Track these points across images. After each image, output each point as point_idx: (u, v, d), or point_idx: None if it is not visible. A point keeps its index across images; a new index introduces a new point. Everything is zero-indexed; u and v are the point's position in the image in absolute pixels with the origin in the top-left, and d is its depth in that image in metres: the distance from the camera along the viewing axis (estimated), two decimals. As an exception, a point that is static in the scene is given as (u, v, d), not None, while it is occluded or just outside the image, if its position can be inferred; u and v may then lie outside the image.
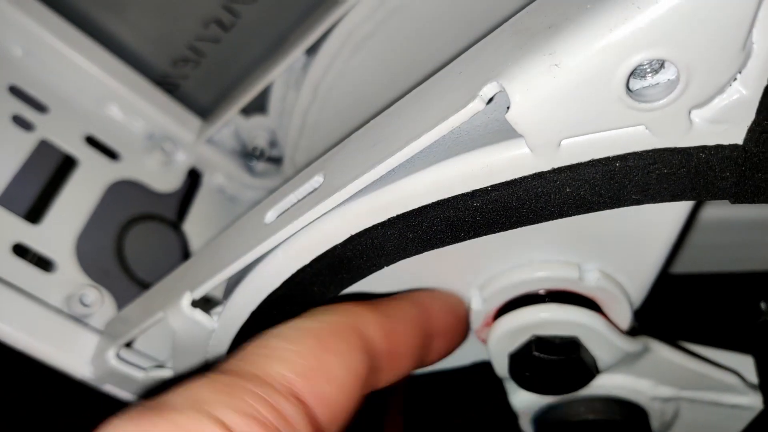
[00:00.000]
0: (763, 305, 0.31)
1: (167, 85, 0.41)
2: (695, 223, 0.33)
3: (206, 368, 0.18)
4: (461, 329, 0.25)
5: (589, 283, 0.24)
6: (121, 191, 0.38)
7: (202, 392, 0.16)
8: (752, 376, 0.29)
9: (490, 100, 0.17)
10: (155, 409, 0.15)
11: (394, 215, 0.19)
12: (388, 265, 0.21)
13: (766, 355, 0.29)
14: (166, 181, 0.40)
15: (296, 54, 0.35)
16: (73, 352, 0.31)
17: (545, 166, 0.17)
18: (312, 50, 0.36)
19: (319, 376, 0.18)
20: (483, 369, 0.28)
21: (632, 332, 0.26)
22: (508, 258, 0.24)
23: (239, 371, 0.17)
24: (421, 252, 0.20)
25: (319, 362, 0.18)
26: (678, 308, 0.37)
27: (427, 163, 0.19)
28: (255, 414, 0.16)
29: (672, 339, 0.29)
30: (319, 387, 0.18)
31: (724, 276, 0.38)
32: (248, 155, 0.43)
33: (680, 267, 0.36)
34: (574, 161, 0.17)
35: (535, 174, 0.17)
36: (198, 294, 0.24)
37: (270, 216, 0.23)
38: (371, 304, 0.21)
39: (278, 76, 0.38)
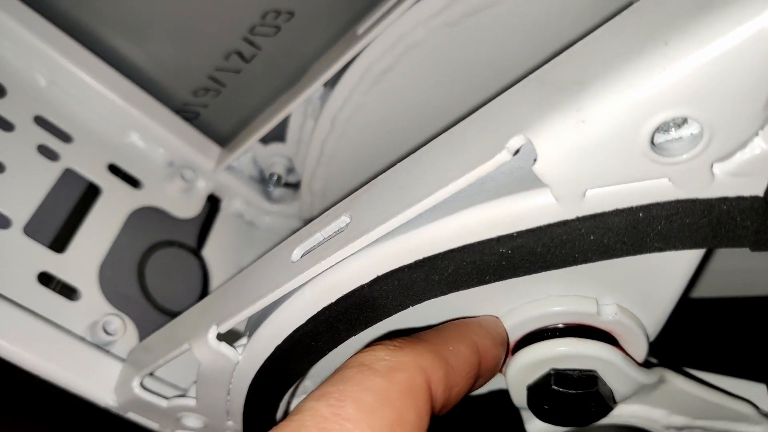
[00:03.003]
0: (774, 333, 0.31)
1: (188, 113, 0.42)
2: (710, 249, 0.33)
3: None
4: (502, 361, 0.24)
5: (607, 318, 0.24)
6: (143, 218, 0.39)
7: None
8: (766, 405, 0.29)
9: (517, 151, 0.17)
10: None
11: (421, 258, 0.20)
12: (413, 305, 0.21)
13: (780, 384, 0.29)
14: (186, 207, 0.41)
15: (315, 86, 0.35)
16: (97, 381, 0.31)
17: (570, 215, 0.18)
18: (331, 82, 0.36)
19: None
20: (500, 397, 0.28)
21: (647, 363, 0.26)
22: (527, 292, 0.24)
23: None
24: (447, 293, 0.20)
25: None
26: (691, 333, 0.37)
27: (453, 208, 0.19)
28: None
29: (685, 364, 0.29)
30: None
31: (738, 301, 0.38)
32: (266, 181, 0.44)
33: (694, 291, 0.36)
34: (599, 210, 0.17)
35: (560, 222, 0.18)
36: (224, 328, 0.25)
37: (296, 254, 0.23)
38: (435, 350, 0.20)
39: (297, 106, 0.38)
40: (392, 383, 0.19)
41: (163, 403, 0.30)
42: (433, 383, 0.20)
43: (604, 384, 0.25)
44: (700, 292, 0.37)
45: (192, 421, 0.30)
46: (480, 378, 0.23)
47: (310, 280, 0.22)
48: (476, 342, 0.22)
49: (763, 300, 0.37)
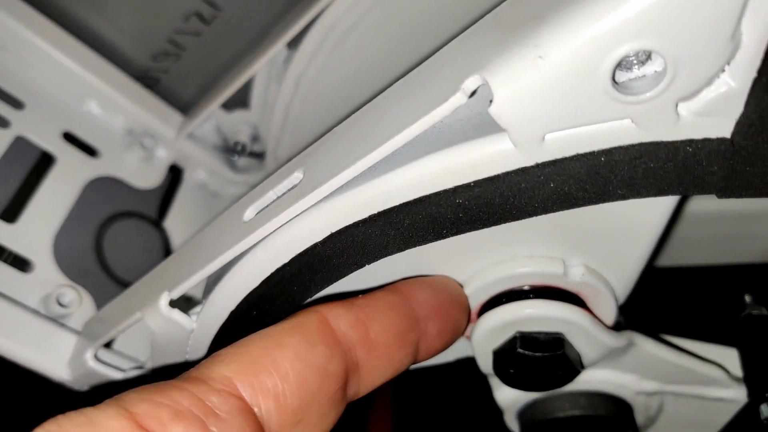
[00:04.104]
0: (747, 298, 0.31)
1: (147, 79, 0.40)
2: (679, 216, 0.33)
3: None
4: (456, 309, 0.24)
5: (574, 279, 0.23)
6: (100, 188, 0.37)
7: (130, 393, 0.16)
8: (737, 369, 0.29)
9: (473, 93, 0.16)
10: (82, 409, 0.15)
11: (375, 212, 0.19)
12: (369, 263, 0.20)
13: (750, 348, 0.29)
14: (147, 177, 0.39)
15: (278, 47, 0.34)
16: (51, 354, 0.30)
17: (529, 161, 0.17)
18: (294, 43, 0.35)
19: (264, 371, 0.18)
20: (467, 365, 0.28)
21: (617, 327, 0.26)
22: (492, 253, 0.23)
23: (180, 377, 0.17)
24: (403, 250, 0.20)
25: (268, 358, 0.18)
26: (663, 301, 0.37)
27: (408, 158, 0.18)
28: (171, 404, 0.16)
29: (657, 332, 0.29)
30: (264, 381, 0.18)
31: (709, 269, 0.38)
32: (230, 150, 0.43)
33: (665, 260, 0.36)
34: (559, 156, 0.17)
35: (518, 169, 0.17)
36: (176, 294, 0.24)
37: (249, 214, 0.22)
38: (342, 300, 0.21)
39: (260, 69, 0.37)
40: (277, 325, 0.19)
41: (119, 375, 0.29)
42: (330, 316, 0.20)
43: (571, 347, 0.24)
44: (672, 260, 0.36)
45: (150, 394, 0.29)
46: (424, 322, 0.22)
47: (261, 240, 0.21)
48: (396, 286, 0.22)
49: (734, 267, 0.37)
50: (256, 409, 0.17)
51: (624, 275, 0.24)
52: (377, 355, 0.20)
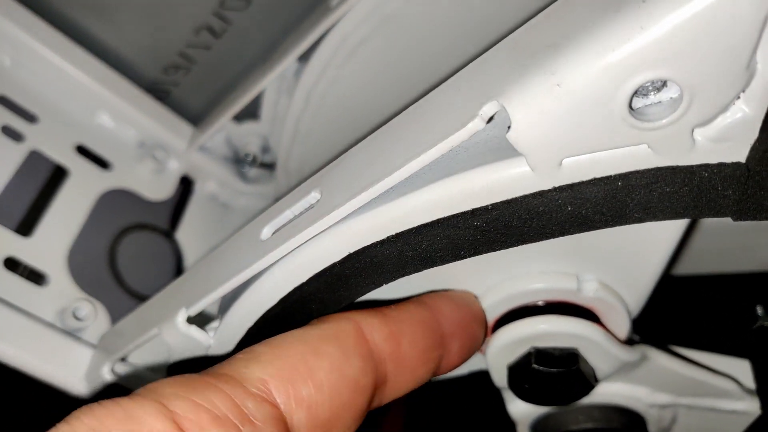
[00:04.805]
0: (759, 309, 0.31)
1: (158, 92, 0.41)
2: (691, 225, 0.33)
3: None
4: (477, 326, 0.24)
5: (588, 294, 0.23)
6: (113, 201, 0.37)
7: (167, 386, 0.16)
8: (750, 382, 0.29)
9: (491, 119, 0.16)
10: (116, 399, 0.15)
11: (393, 234, 0.19)
12: (387, 282, 0.20)
13: (763, 359, 0.29)
14: (158, 189, 0.40)
15: (289, 61, 0.34)
16: (67, 368, 0.30)
17: (546, 185, 0.17)
18: (305, 57, 0.35)
19: (300, 379, 0.18)
20: (480, 378, 0.28)
21: (630, 341, 0.26)
22: (506, 269, 0.24)
23: (215, 373, 0.17)
24: (421, 270, 0.20)
25: (305, 366, 0.18)
26: (674, 311, 0.37)
27: (426, 181, 0.18)
28: (210, 407, 0.16)
29: (668, 342, 0.29)
30: (300, 390, 0.17)
31: (721, 277, 0.38)
32: (240, 162, 0.43)
33: (676, 269, 0.36)
34: (576, 180, 0.17)
35: (536, 193, 0.17)
36: (194, 311, 0.24)
37: (266, 232, 0.22)
38: (374, 309, 0.21)
39: (270, 82, 0.37)
40: (313, 329, 0.19)
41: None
42: (365, 327, 0.20)
43: (586, 362, 0.24)
44: (683, 269, 0.36)
45: (165, 407, 0.29)
46: (450, 339, 0.22)
47: (279, 259, 0.21)
48: (425, 300, 0.22)
49: (746, 276, 0.37)
50: (288, 419, 0.17)
51: (637, 290, 0.24)
52: (404, 370, 0.20)
